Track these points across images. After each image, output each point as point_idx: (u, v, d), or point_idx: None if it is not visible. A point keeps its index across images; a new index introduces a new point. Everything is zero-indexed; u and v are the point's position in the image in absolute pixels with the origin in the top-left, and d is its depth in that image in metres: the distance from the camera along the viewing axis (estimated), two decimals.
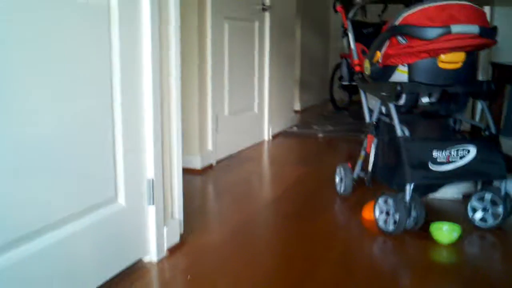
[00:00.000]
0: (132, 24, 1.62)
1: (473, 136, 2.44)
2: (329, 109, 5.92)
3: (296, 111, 5.25)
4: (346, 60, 5.08)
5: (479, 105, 2.22)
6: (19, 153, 1.23)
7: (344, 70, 5.26)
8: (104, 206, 1.57)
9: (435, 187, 2.27)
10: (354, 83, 2.55)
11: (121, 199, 1.64)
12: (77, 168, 1.43)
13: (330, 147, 3.94)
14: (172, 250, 1.89)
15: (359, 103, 2.45)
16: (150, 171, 1.76)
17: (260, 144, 3.96)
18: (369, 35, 2.55)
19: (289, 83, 4.68)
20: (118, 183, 1.62)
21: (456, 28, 1.88)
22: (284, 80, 4.50)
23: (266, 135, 4.12)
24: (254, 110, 3.91)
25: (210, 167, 3.19)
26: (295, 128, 4.63)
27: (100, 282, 1.56)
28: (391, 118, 2.07)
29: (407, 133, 2.04)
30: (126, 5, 1.58)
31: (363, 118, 2.39)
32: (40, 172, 1.30)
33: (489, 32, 1.94)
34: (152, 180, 1.76)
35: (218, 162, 3.31)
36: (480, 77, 3.23)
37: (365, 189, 2.44)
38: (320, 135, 4.35)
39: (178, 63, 1.90)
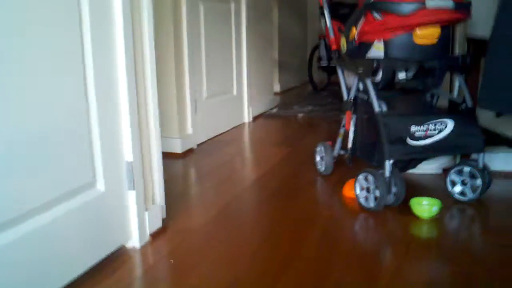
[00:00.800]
0: (104, 7, 1.59)
1: (451, 110, 2.45)
2: (309, 90, 5.93)
3: (276, 93, 5.25)
4: (324, 41, 5.08)
5: (457, 80, 2.23)
6: None
7: (323, 51, 5.27)
8: (83, 191, 1.54)
9: (414, 162, 2.29)
10: (332, 65, 2.55)
11: (100, 184, 1.62)
12: (52, 153, 1.40)
13: (310, 127, 3.94)
14: (155, 235, 1.88)
15: (338, 84, 2.45)
16: (128, 154, 1.73)
17: (240, 126, 3.95)
18: (346, 15, 2.54)
19: (267, 65, 4.66)
20: (96, 167, 1.60)
21: (430, 3, 1.88)
22: (262, 62, 4.48)
23: (246, 117, 4.11)
24: (233, 93, 3.90)
25: (190, 150, 3.18)
26: (275, 110, 4.63)
27: (82, 270, 1.55)
28: (368, 95, 2.08)
29: (385, 109, 2.05)
30: None
31: (342, 97, 2.39)
32: (13, 159, 1.28)
33: (463, 6, 1.95)
34: (131, 163, 1.74)
35: (198, 145, 3.30)
36: (457, 51, 3.24)
37: (346, 167, 2.45)
38: (300, 115, 4.35)
39: (152, 45, 1.86)
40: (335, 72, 2.54)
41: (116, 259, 1.69)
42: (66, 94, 1.45)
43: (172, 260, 1.70)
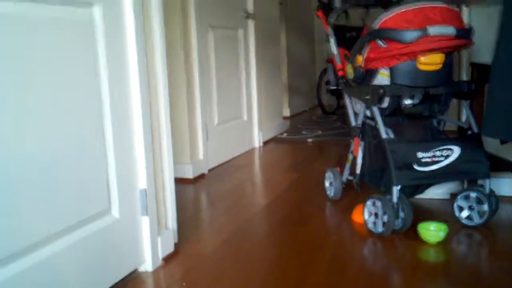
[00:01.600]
0: (117, 37, 1.66)
1: (458, 136, 2.49)
2: (318, 114, 5.97)
3: (285, 117, 5.30)
4: (332, 64, 5.14)
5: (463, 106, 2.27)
6: (7, 169, 1.26)
7: (331, 75, 5.31)
8: (98, 218, 1.60)
9: (422, 188, 2.32)
10: (340, 88, 2.59)
11: (115, 211, 1.67)
12: (70, 181, 1.46)
13: (320, 152, 3.98)
14: (167, 260, 1.92)
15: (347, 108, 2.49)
16: (142, 182, 1.79)
17: (251, 151, 4.00)
18: (352, 39, 2.60)
19: (276, 89, 4.72)
20: (112, 195, 1.66)
21: (432, 30, 1.93)
22: (272, 86, 4.54)
23: (257, 142, 4.16)
24: (244, 118, 3.96)
25: (202, 176, 3.23)
26: (285, 134, 4.68)
27: None
28: (375, 121, 2.12)
29: (391, 135, 2.09)
30: (110, 18, 1.62)
31: (349, 123, 2.44)
32: (33, 188, 1.34)
33: (465, 33, 2.00)
34: (145, 190, 1.80)
35: (209, 170, 3.35)
36: (464, 77, 3.28)
37: (355, 192, 2.49)
38: (310, 140, 4.40)
39: (165, 74, 1.94)
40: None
41: (130, 282, 1.74)
42: (83, 123, 1.52)
43: (184, 284, 1.74)
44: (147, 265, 1.84)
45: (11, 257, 1.28)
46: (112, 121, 1.63)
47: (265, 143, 4.29)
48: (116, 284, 1.70)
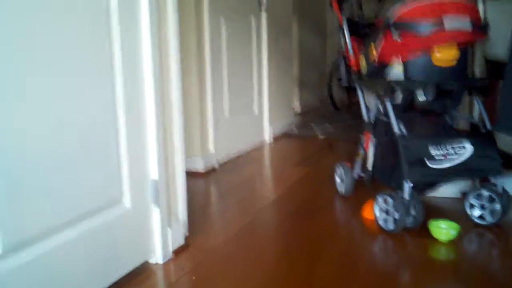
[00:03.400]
0: (131, 25, 1.66)
1: (471, 132, 2.47)
2: (329, 110, 5.95)
3: (296, 112, 5.29)
4: (344, 59, 5.10)
5: (476, 102, 2.25)
6: (19, 157, 1.26)
7: (343, 72, 5.28)
8: (110, 207, 1.60)
9: (433, 186, 2.31)
10: (352, 85, 2.58)
11: (126, 201, 1.68)
12: (82, 170, 1.46)
13: (330, 147, 3.97)
14: (177, 252, 1.93)
15: (359, 103, 2.48)
16: (154, 172, 1.79)
17: (261, 145, 4.00)
18: (366, 35, 2.58)
19: (287, 82, 4.71)
20: (123, 185, 1.66)
21: (448, 24, 1.92)
22: (282, 79, 4.52)
23: (267, 136, 4.16)
24: (254, 111, 3.95)
25: (212, 169, 3.23)
26: (295, 129, 4.67)
27: (105, 285, 1.60)
28: (388, 116, 2.11)
29: (404, 130, 2.08)
30: (125, 7, 1.62)
31: (362, 117, 2.43)
32: (44, 176, 1.34)
33: (481, 27, 1.99)
34: (156, 181, 1.80)
35: (220, 164, 3.35)
36: (476, 73, 3.26)
37: (365, 188, 2.48)
38: (320, 135, 4.38)
39: (178, 65, 1.93)
40: (355, 91, 2.57)
41: (140, 274, 1.74)
42: (96, 112, 1.52)
43: (194, 277, 1.74)
44: (157, 257, 1.84)
45: (21, 245, 1.28)
46: (125, 111, 1.63)
47: (275, 137, 4.28)
48: (126, 275, 1.70)
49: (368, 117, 2.34)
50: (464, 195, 2.40)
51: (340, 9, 2.52)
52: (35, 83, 1.28)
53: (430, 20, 1.93)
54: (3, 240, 1.22)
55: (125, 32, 1.61)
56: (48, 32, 1.32)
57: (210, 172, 3.15)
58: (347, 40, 2.48)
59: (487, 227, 2.15)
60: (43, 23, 1.30)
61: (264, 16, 4.01)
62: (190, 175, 2.96)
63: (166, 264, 1.84)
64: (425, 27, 1.93)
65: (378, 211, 2.13)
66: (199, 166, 3.13)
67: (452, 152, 2.05)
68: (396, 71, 2.10)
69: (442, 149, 2.04)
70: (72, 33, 1.40)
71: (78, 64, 1.43)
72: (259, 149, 3.85)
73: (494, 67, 2.93)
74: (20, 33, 1.23)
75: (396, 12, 2.02)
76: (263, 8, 3.96)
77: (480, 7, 3.08)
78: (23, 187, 1.27)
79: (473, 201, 2.20)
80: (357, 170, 2.51)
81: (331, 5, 2.61)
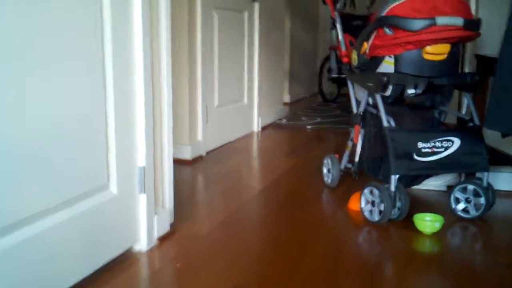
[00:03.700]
0: (123, 12, 1.65)
1: (458, 127, 2.48)
2: (318, 101, 5.96)
3: (285, 103, 5.29)
4: (335, 52, 5.11)
5: (465, 98, 2.26)
6: (6, 142, 1.25)
7: (333, 62, 5.30)
8: (97, 193, 1.59)
9: (420, 179, 2.32)
10: (342, 76, 2.58)
11: (113, 187, 1.67)
12: (70, 155, 1.45)
13: (318, 138, 3.98)
14: (162, 239, 1.92)
15: (348, 95, 2.48)
16: (141, 159, 1.78)
17: (249, 135, 3.99)
18: (357, 27, 2.58)
19: (278, 75, 4.71)
20: (110, 171, 1.65)
21: (441, 20, 1.92)
22: (273, 71, 4.53)
23: (256, 126, 4.15)
24: (244, 101, 3.95)
25: (200, 157, 3.22)
26: (284, 120, 4.67)
27: (90, 271, 1.59)
28: (377, 109, 2.11)
29: (393, 123, 2.08)
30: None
31: (351, 110, 2.43)
32: (32, 160, 1.33)
33: (473, 24, 1.99)
34: (144, 168, 1.79)
35: (208, 152, 3.35)
36: (466, 69, 3.27)
37: (352, 180, 2.48)
38: (309, 127, 4.39)
39: (168, 54, 1.92)
40: (345, 84, 2.57)
41: (124, 261, 1.73)
42: (85, 97, 1.50)
43: (178, 265, 1.74)
44: (142, 244, 1.83)
45: (5, 229, 1.27)
46: (114, 97, 1.62)
47: (264, 128, 4.28)
48: (110, 262, 1.69)
49: (357, 109, 2.34)
50: (449, 188, 2.42)
51: (333, 3, 2.52)
52: (21, 70, 1.27)
53: (422, 16, 1.93)
54: None
55: (116, 18, 1.59)
56: (42, 28, 1.30)
57: (197, 161, 3.15)
58: (339, 33, 2.48)
59: (471, 221, 2.16)
60: (35, 20, 1.28)
61: (256, 8, 3.99)
62: (178, 163, 2.95)
63: (150, 251, 1.83)
64: (417, 23, 1.93)
65: (364, 202, 2.14)
66: (187, 154, 3.12)
67: (440, 145, 2.06)
68: (387, 64, 2.10)
69: (429, 143, 2.05)
70: (66, 24, 1.38)
71: (67, 51, 1.41)
72: (247, 139, 3.85)
73: (485, 63, 2.94)
74: (14, 29, 1.21)
75: (390, 6, 2.02)
76: (256, 1, 3.95)
77: (473, 4, 3.09)
78: (10, 171, 1.26)
79: (458, 194, 2.21)
80: (345, 162, 2.52)
81: (323, 1, 2.61)
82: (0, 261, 1.25)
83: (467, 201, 2.19)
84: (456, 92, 2.32)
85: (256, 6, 3.99)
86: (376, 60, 2.14)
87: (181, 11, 3.01)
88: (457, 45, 2.08)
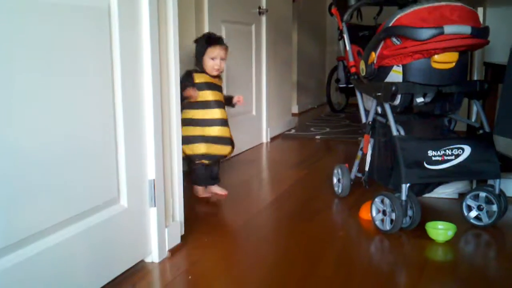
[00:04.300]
0: (132, 29, 1.66)
1: (468, 135, 2.47)
2: (326, 112, 5.96)
3: (293, 114, 5.29)
4: (342, 62, 5.12)
5: (474, 105, 2.26)
6: (19, 156, 1.26)
7: (341, 73, 5.29)
8: (107, 207, 1.60)
9: (431, 187, 2.31)
10: (350, 85, 2.58)
11: (123, 201, 1.67)
12: (80, 169, 1.46)
13: (327, 149, 3.97)
14: (174, 251, 1.92)
15: (356, 105, 2.48)
16: (151, 172, 1.79)
17: (258, 146, 4.00)
18: (364, 37, 2.58)
19: (286, 86, 4.72)
20: (121, 184, 1.65)
21: (448, 29, 1.91)
22: (281, 83, 4.54)
23: (265, 137, 4.16)
24: (252, 113, 3.95)
25: None
26: (293, 131, 4.67)
27: (102, 283, 1.59)
28: (386, 118, 2.11)
29: (402, 132, 2.08)
30: (126, 8, 1.62)
31: (360, 120, 2.43)
32: (43, 175, 1.34)
33: (481, 32, 1.98)
34: (154, 181, 1.80)
35: None
36: (475, 77, 3.27)
37: (363, 189, 2.48)
38: (318, 137, 4.38)
39: (177, 67, 1.94)
40: (353, 94, 2.57)
41: (136, 273, 1.74)
42: (95, 111, 1.51)
43: (190, 277, 1.74)
44: (153, 256, 1.83)
45: (19, 243, 1.28)
46: (124, 111, 1.63)
47: (273, 139, 4.28)
48: (122, 274, 1.69)
49: (366, 118, 2.34)
50: (461, 196, 2.40)
51: (340, 14, 2.53)
52: (34, 83, 1.28)
53: (429, 25, 1.93)
54: (3, 237, 1.22)
55: (125, 33, 1.61)
56: (48, 32, 1.32)
57: None
58: (347, 44, 2.49)
59: (484, 228, 2.15)
60: (42, 22, 1.30)
61: (264, 21, 4.02)
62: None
63: (162, 263, 1.83)
64: (425, 32, 1.92)
65: (375, 211, 2.13)
66: None
67: (450, 153, 2.05)
68: (395, 73, 2.10)
69: (440, 151, 2.04)
70: (73, 33, 1.40)
71: (78, 65, 1.43)
72: (257, 150, 3.85)
73: (494, 70, 2.94)
74: (19, 32, 1.23)
75: (397, 16, 2.02)
76: (263, 13, 3.97)
77: (480, 13, 3.09)
78: (23, 186, 1.27)
79: (470, 202, 2.20)
80: (355, 171, 2.51)
81: (330, 12, 2.62)
82: (13, 275, 1.26)
83: (479, 208, 2.17)
84: (465, 100, 2.31)
85: (264, 19, 4.01)
86: (384, 70, 2.14)
87: (189, 26, 3.02)
88: (465, 53, 2.08)
